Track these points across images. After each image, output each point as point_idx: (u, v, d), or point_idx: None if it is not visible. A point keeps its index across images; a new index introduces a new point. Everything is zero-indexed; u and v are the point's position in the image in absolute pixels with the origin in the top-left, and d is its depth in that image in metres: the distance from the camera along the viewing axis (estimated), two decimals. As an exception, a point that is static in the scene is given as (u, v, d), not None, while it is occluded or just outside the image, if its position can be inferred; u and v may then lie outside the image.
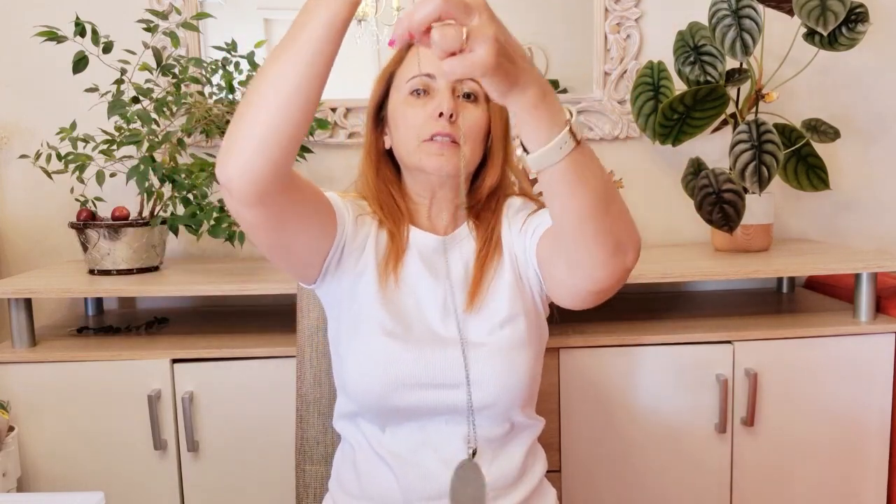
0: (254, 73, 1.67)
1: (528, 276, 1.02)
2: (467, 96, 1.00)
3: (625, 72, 1.86)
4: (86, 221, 1.59)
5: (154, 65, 1.56)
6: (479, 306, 0.99)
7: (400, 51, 1.05)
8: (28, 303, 1.47)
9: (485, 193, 1.05)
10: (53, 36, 1.47)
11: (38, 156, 1.58)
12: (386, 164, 1.07)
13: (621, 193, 1.72)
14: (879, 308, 1.56)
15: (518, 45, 0.67)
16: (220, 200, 1.50)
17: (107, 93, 1.55)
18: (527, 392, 0.99)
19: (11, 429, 1.39)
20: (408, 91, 1.00)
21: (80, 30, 1.49)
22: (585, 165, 0.74)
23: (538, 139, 0.72)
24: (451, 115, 0.96)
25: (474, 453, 0.92)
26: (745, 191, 1.60)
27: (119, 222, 1.58)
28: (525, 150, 0.74)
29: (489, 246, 1.03)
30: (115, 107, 1.51)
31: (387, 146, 1.06)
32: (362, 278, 1.00)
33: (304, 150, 1.64)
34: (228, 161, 0.79)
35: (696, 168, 1.68)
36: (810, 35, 1.58)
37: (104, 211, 1.68)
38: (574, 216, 0.78)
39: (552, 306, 1.06)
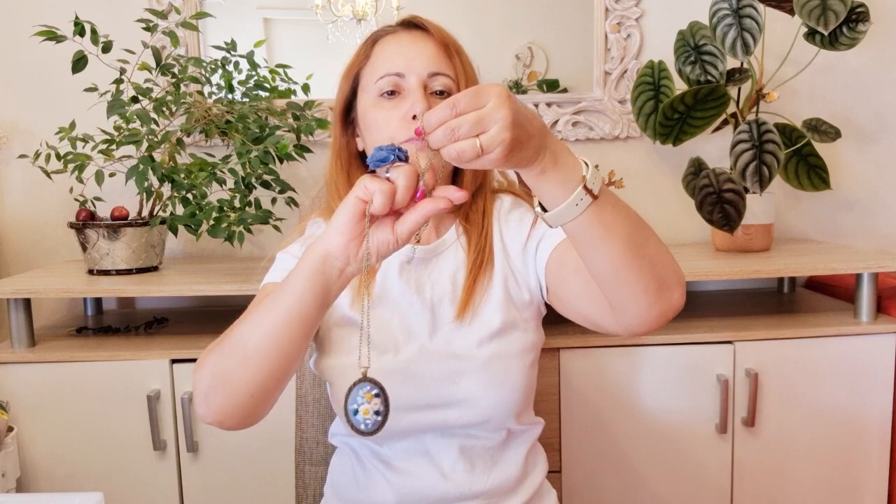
0: (253, 73, 1.67)
1: (528, 285, 0.98)
2: (440, 94, 0.94)
3: (625, 71, 1.85)
4: (85, 221, 1.58)
5: (153, 64, 1.56)
6: (469, 318, 0.95)
7: (364, 47, 1.00)
8: (27, 303, 1.47)
9: (468, 191, 1.00)
10: (53, 35, 1.47)
11: (37, 155, 1.58)
12: (357, 168, 1.02)
13: (621, 194, 1.74)
14: (880, 308, 1.56)
15: (531, 114, 0.68)
16: (220, 200, 1.50)
17: (106, 92, 1.55)
18: (521, 403, 0.96)
19: (11, 429, 1.39)
20: (377, 93, 0.94)
21: (80, 29, 1.48)
22: (609, 215, 0.73)
23: (553, 199, 0.71)
24: None
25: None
26: (746, 190, 1.60)
27: (118, 222, 1.57)
28: (543, 208, 0.73)
29: (483, 255, 0.98)
30: (115, 106, 1.51)
31: (360, 148, 1.01)
32: (338, 303, 0.95)
33: (304, 149, 1.63)
34: (213, 408, 0.79)
35: (697, 168, 1.67)
36: (811, 35, 1.57)
37: (103, 211, 1.67)
38: (608, 265, 0.76)
39: (548, 305, 1.03)
